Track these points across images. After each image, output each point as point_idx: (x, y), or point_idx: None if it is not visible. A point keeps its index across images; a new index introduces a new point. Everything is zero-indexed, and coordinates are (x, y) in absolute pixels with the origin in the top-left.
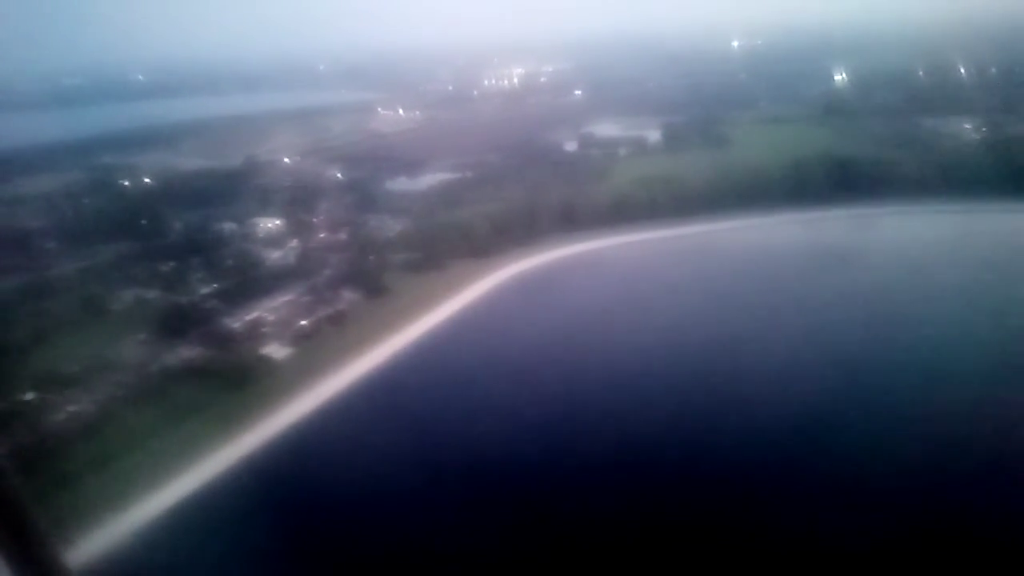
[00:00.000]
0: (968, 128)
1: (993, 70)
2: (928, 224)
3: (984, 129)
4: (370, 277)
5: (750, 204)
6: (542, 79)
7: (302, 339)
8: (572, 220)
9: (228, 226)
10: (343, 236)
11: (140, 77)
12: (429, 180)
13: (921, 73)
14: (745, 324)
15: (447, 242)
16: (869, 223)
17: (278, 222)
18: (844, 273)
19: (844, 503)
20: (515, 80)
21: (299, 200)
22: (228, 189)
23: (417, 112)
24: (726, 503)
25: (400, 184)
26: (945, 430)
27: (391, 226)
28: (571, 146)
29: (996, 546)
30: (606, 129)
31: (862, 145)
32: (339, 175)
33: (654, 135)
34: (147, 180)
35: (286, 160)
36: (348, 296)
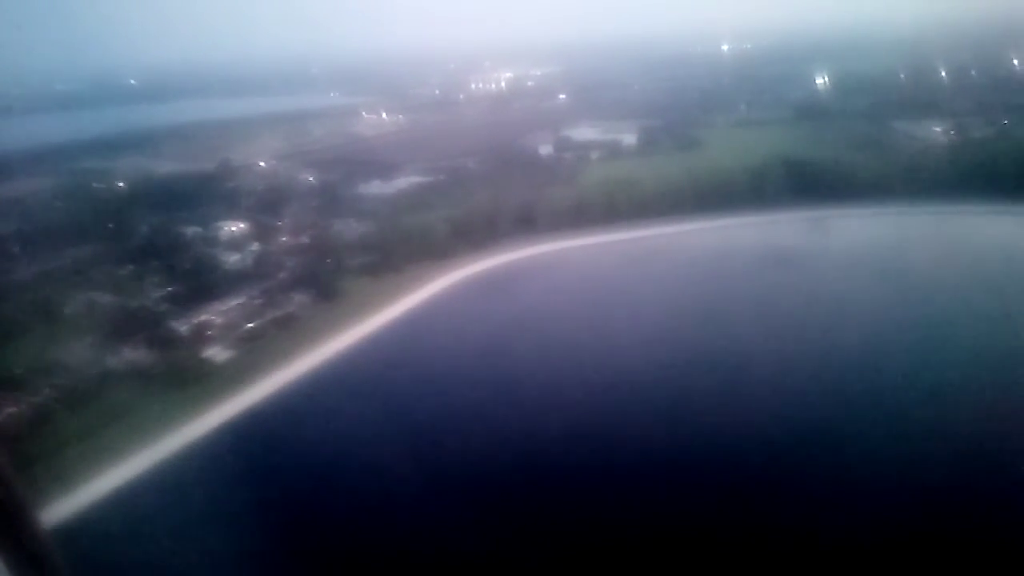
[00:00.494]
0: (937, 131)
1: (973, 72)
2: (883, 225)
3: (952, 132)
4: (324, 280)
5: (710, 207)
6: (530, 83)
7: (246, 342)
8: (534, 222)
9: (193, 230)
10: (304, 239)
11: (133, 81)
12: (401, 183)
13: (902, 76)
14: (693, 326)
15: (406, 245)
16: (823, 225)
17: (242, 226)
18: (793, 274)
19: (781, 508)
20: (503, 84)
21: (266, 204)
22: (199, 193)
23: (401, 116)
24: (668, 508)
25: (373, 187)
26: (899, 431)
27: (355, 229)
28: (547, 150)
29: (960, 547)
30: (584, 133)
31: (829, 148)
32: (312, 179)
33: (629, 138)
34: (121, 184)
35: (262, 164)
36: (299, 299)
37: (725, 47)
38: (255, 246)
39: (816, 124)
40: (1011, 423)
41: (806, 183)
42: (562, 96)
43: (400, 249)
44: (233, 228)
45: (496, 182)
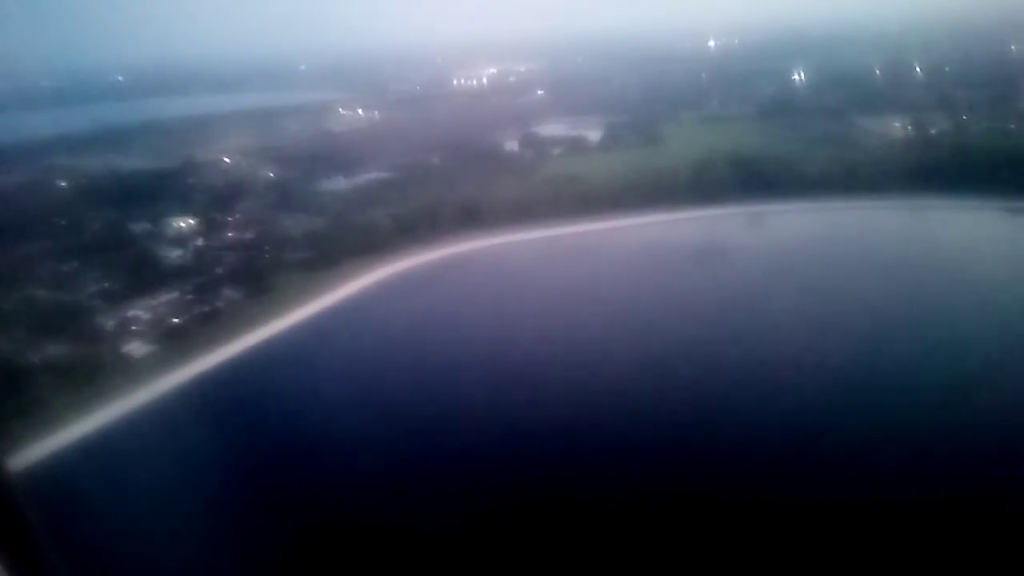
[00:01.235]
0: (896, 127)
1: (947, 69)
2: (823, 220)
3: (909, 127)
4: (257, 275)
5: (652, 203)
6: (511, 79)
7: (167, 337)
8: (479, 218)
9: (142, 226)
10: (247, 235)
11: (120, 78)
12: (359, 179)
13: (873, 73)
14: (615, 321)
15: (348, 240)
16: (762, 219)
17: (191, 222)
18: (729, 268)
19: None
20: (484, 80)
21: (220, 200)
22: (157, 189)
23: (377, 112)
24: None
25: (333, 183)
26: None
27: (304, 225)
28: (512, 145)
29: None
30: (552, 129)
31: (783, 144)
32: (272, 174)
33: (594, 135)
34: (82, 181)
35: (227, 160)
36: (229, 294)
37: (712, 43)
38: (199, 242)
39: (779, 120)
40: (966, 413)
41: (749, 179)
42: (540, 92)
43: (341, 244)
44: (182, 224)
45: (452, 178)
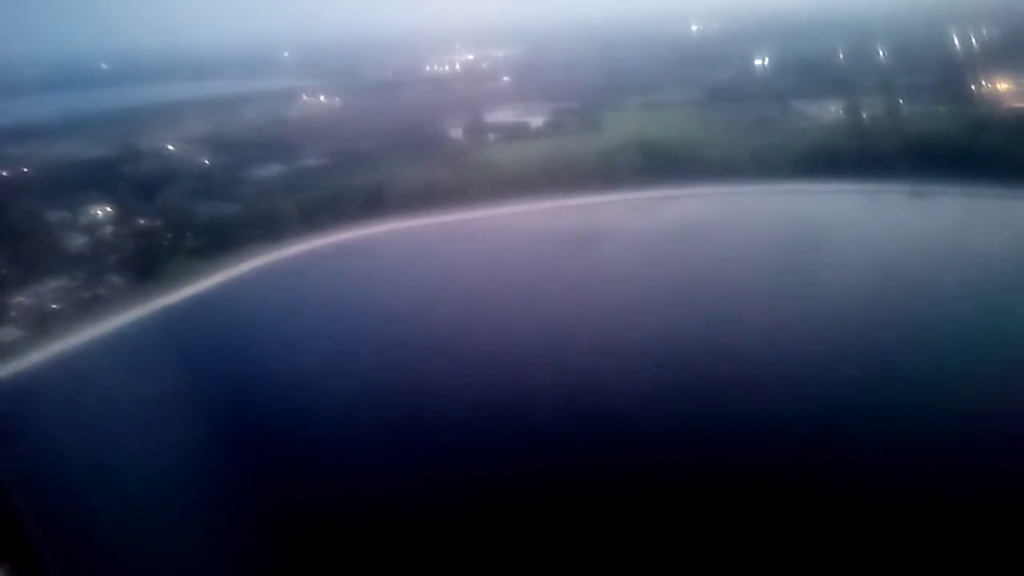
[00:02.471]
0: (831, 111)
1: (904, 53)
2: (728, 204)
3: (841, 112)
4: (149, 262)
5: (559, 188)
6: (484, 65)
7: (41, 322)
8: (387, 203)
9: (60, 214)
10: (156, 223)
11: (104, 66)
12: (294, 166)
13: (841, 57)
14: (477, 305)
15: (251, 227)
16: (654, 205)
17: (108, 210)
18: (596, 255)
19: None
20: (457, 66)
21: (144, 188)
22: (90, 178)
23: (338, 99)
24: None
25: (266, 170)
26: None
27: (220, 211)
28: (456, 132)
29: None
30: (502, 115)
31: (713, 129)
32: (208, 162)
33: (538, 121)
34: (15, 170)
35: (170, 148)
36: (115, 281)
37: (694, 28)
38: (108, 229)
39: (721, 105)
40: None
41: (660, 164)
42: (506, 79)
43: (244, 230)
44: (98, 212)
45: (383, 164)
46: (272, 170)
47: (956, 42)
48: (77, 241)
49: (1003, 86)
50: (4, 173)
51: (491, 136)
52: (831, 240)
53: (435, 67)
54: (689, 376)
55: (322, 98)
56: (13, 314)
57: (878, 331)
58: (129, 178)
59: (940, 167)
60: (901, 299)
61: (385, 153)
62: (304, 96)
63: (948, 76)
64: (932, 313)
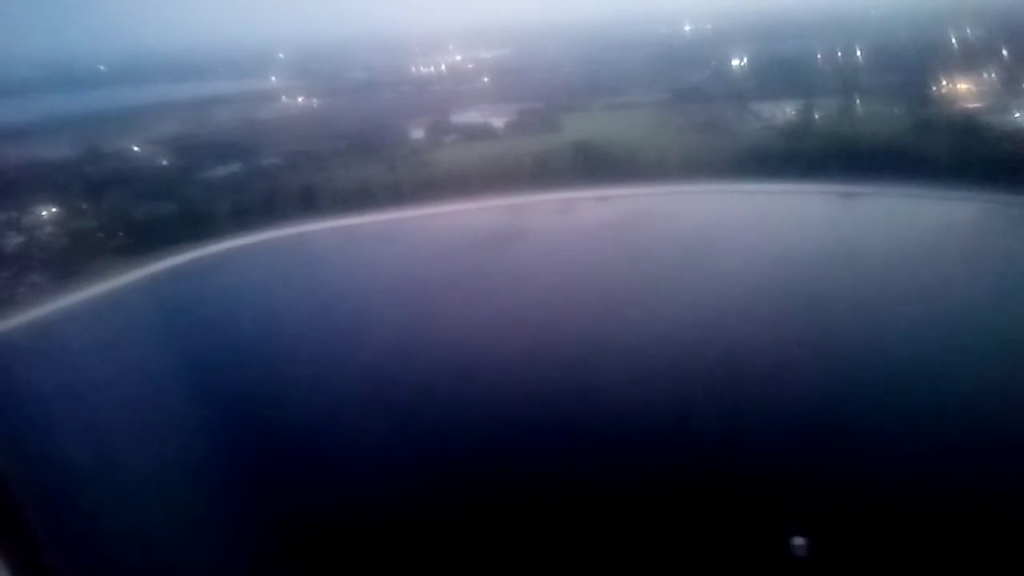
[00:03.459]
0: (786, 112)
1: (883, 55)
2: (653, 204)
3: (794, 113)
4: (72, 261)
5: (495, 188)
6: (470, 65)
7: None
8: (322, 202)
9: (4, 215)
10: (93, 223)
11: (101, 67)
12: (248, 167)
13: (818, 57)
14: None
15: (181, 226)
16: (574, 206)
17: (53, 210)
18: (511, 255)
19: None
20: (443, 67)
21: (96, 188)
22: (46, 179)
23: (315, 99)
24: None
25: (221, 170)
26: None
27: (160, 211)
28: (418, 133)
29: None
30: (467, 116)
31: (663, 130)
32: (165, 162)
33: (499, 122)
34: None
35: (135, 149)
36: (36, 279)
37: (687, 28)
38: (46, 229)
39: (683, 107)
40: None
41: (597, 164)
42: (486, 79)
43: (176, 229)
44: (43, 212)
45: (333, 164)
46: (225, 170)
47: (928, 44)
48: (13, 241)
49: (963, 87)
50: None
51: (449, 137)
52: (746, 238)
53: (419, 68)
54: (592, 374)
55: (300, 99)
56: None
57: (781, 329)
58: (85, 179)
59: (879, 167)
60: (801, 297)
61: (340, 153)
62: (283, 97)
63: (912, 77)
64: (835, 310)
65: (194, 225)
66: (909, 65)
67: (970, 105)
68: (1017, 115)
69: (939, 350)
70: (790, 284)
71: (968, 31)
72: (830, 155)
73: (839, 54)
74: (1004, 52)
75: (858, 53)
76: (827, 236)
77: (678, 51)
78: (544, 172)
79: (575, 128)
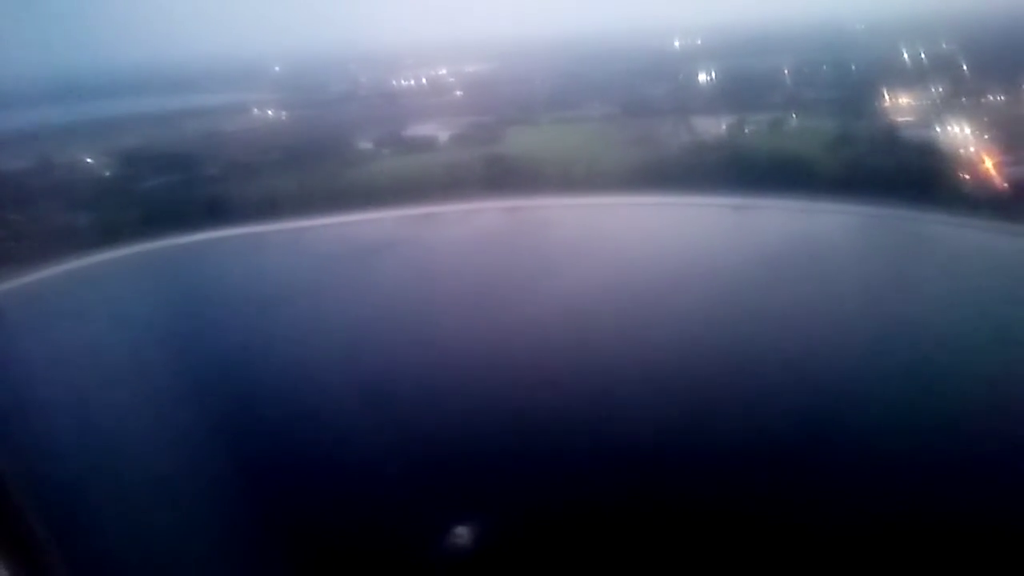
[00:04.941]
0: (719, 126)
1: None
2: (548, 216)
3: (724, 127)
4: None
5: (401, 200)
6: (451, 79)
7: None
8: (223, 214)
9: None
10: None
11: (95, 80)
12: (184, 177)
13: (786, 72)
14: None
15: (88, 234)
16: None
17: None
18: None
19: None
20: (423, 80)
21: (28, 199)
22: None
23: (284, 112)
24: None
25: (151, 182)
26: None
27: (76, 221)
28: (366, 145)
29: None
30: (420, 129)
31: (593, 143)
32: (107, 174)
33: (444, 135)
34: None
35: (88, 160)
36: None
37: (677, 43)
38: None
39: (625, 121)
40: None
41: (518, 176)
42: (455, 93)
43: (82, 237)
44: None
45: (267, 174)
46: (157, 181)
47: (889, 58)
48: None
49: (903, 100)
50: None
51: (387, 149)
52: (620, 249)
53: (398, 82)
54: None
55: (269, 112)
56: None
57: (640, 339)
58: (24, 190)
59: (785, 180)
60: (661, 307)
61: (280, 164)
62: (255, 110)
63: (858, 93)
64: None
65: (101, 233)
66: (863, 80)
67: (901, 120)
68: (933, 129)
69: (812, 363)
70: (650, 294)
71: (941, 46)
72: (738, 169)
73: (805, 70)
74: (961, 67)
75: (824, 68)
76: (698, 247)
77: (650, 65)
78: (460, 184)
79: (513, 141)
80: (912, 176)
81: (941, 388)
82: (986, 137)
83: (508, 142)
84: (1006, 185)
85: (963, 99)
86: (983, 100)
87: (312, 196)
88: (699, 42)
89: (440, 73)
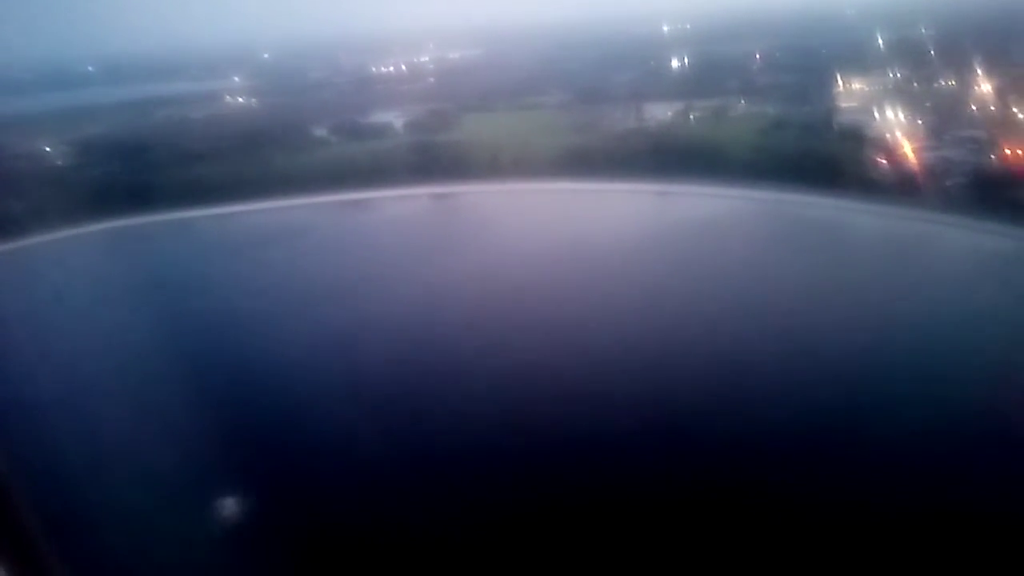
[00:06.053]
0: (666, 113)
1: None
2: (474, 202)
3: (670, 113)
4: None
5: (341, 185)
6: (430, 66)
7: None
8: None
9: None
10: None
11: (90, 68)
12: (131, 164)
13: (757, 56)
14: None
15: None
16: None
17: None
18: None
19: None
20: (402, 67)
21: None
22: None
23: (255, 99)
24: None
25: (98, 170)
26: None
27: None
28: (322, 132)
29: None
30: (381, 116)
31: (541, 129)
32: (59, 163)
33: (399, 122)
34: None
35: (47, 150)
36: None
37: (665, 28)
38: None
39: (578, 107)
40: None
41: (453, 162)
42: (431, 80)
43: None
44: None
45: (210, 161)
46: (104, 168)
47: (858, 43)
48: None
49: (856, 86)
50: None
51: (339, 137)
52: (539, 235)
53: (372, 68)
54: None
55: (240, 99)
56: None
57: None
58: None
59: (717, 167)
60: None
61: (230, 151)
62: (227, 97)
63: (813, 77)
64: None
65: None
66: (824, 65)
67: (844, 105)
68: (870, 114)
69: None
70: (559, 279)
71: (921, 31)
72: (668, 155)
73: (776, 55)
74: (927, 53)
75: (793, 54)
76: (608, 232)
77: (626, 52)
78: (398, 170)
79: (463, 129)
80: (826, 161)
81: (851, 374)
82: (919, 122)
83: (458, 129)
84: (919, 170)
85: (915, 85)
86: (934, 86)
87: (251, 182)
88: (687, 27)
89: (419, 60)
